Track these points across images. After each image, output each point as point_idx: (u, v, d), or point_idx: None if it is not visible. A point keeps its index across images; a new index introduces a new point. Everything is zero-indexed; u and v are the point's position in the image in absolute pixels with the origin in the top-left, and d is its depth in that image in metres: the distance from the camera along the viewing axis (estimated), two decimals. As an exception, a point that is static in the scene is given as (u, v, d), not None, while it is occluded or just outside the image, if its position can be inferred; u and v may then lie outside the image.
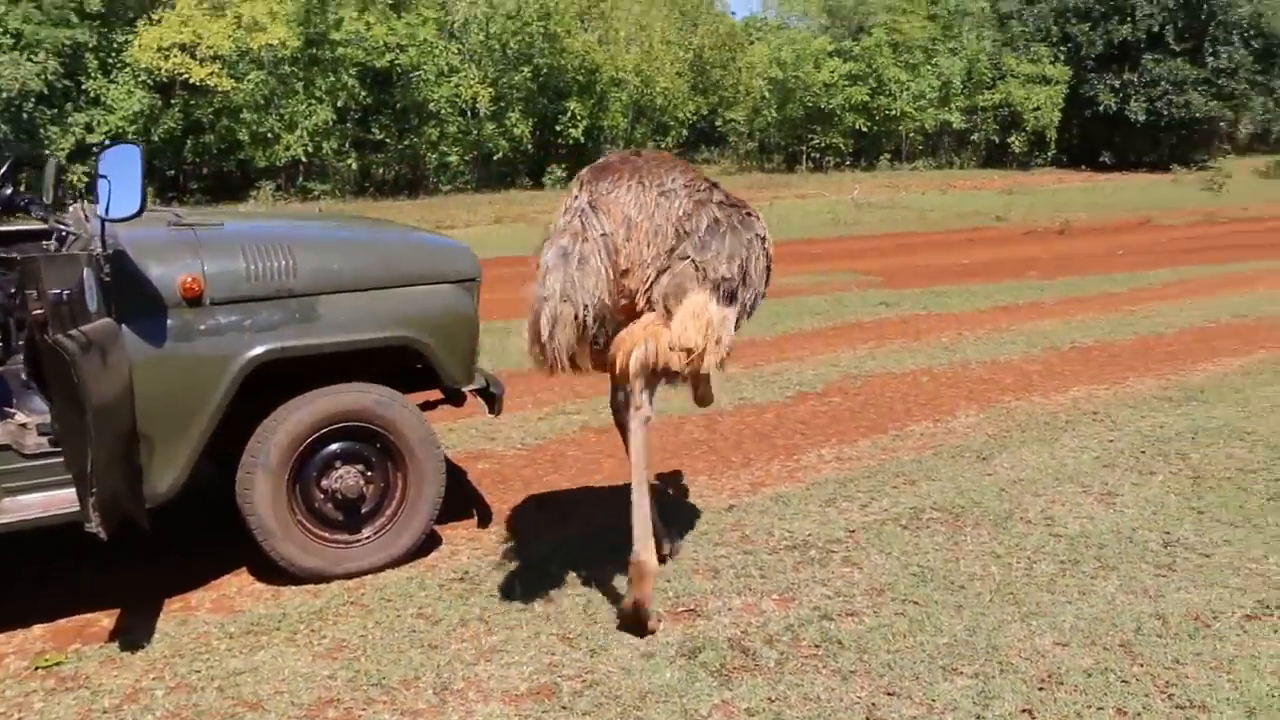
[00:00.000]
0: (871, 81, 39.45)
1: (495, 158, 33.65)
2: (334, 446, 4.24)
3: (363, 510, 4.32)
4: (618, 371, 3.75)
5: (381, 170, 32.55)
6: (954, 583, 4.08)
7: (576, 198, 3.75)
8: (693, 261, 3.70)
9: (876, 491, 5.20)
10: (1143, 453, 5.71)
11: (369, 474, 4.30)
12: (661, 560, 4.20)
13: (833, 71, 38.98)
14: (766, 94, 39.31)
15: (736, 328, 3.95)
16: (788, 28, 43.36)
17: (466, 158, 33.25)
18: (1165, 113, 40.96)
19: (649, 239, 3.68)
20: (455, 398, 4.91)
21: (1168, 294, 11.63)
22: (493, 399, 4.71)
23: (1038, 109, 39.91)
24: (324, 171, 31.18)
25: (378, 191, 31.71)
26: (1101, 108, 41.26)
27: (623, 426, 4.24)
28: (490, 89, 32.10)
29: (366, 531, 4.35)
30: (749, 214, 4.16)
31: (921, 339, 9.09)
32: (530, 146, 33.92)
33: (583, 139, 33.82)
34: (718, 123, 43.85)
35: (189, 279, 3.91)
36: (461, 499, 5.15)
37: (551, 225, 3.78)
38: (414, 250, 4.72)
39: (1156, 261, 14.67)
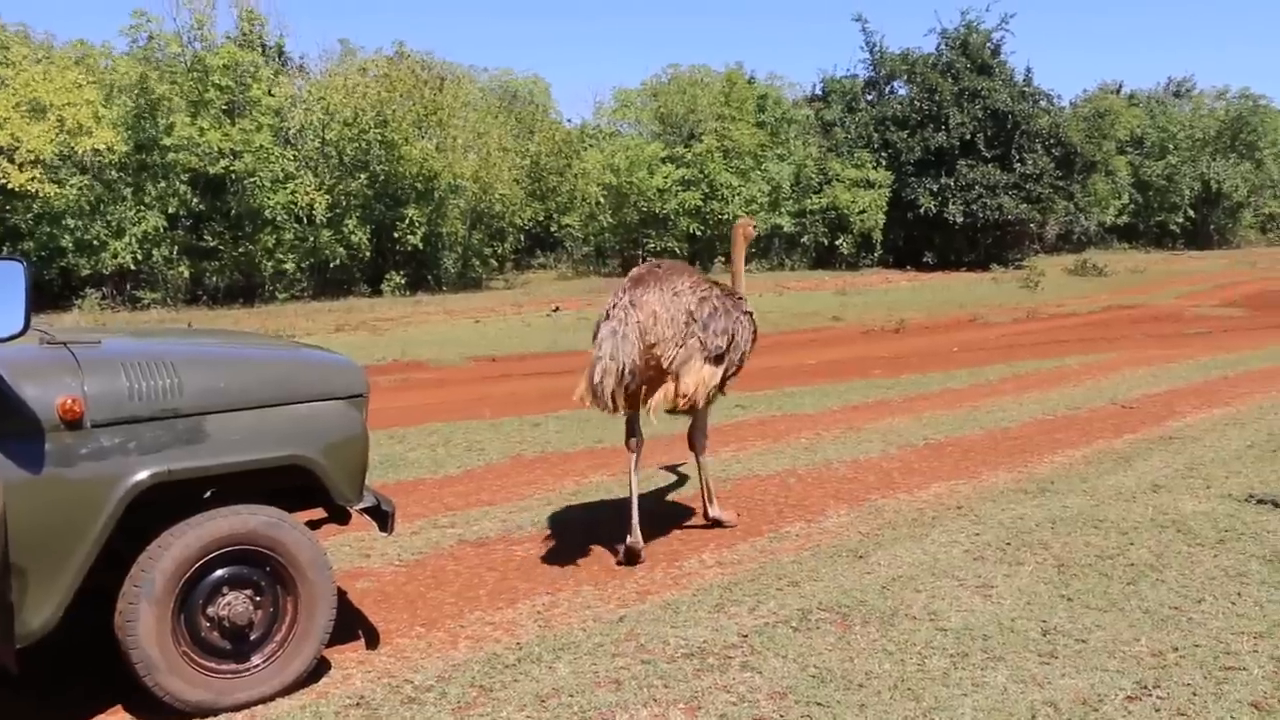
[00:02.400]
0: (704, 187, 40.53)
1: (333, 265, 33.27)
2: (221, 571, 4.10)
3: (252, 637, 4.17)
4: (653, 410, 5.92)
5: (215, 278, 31.80)
6: (853, 682, 4.17)
7: (620, 298, 5.94)
8: (698, 339, 5.86)
9: (763, 594, 5.28)
10: (1008, 544, 5.95)
11: (258, 599, 4.16)
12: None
13: (666, 177, 39.95)
14: (601, 199, 40.00)
15: (725, 377, 6.19)
16: (621, 134, 44.32)
17: (303, 265, 32.79)
18: (981, 215, 43.21)
19: (668, 325, 5.76)
20: (340, 516, 4.82)
21: (1005, 389, 12.18)
22: (384, 516, 4.63)
23: (863, 212, 41.60)
24: (154, 280, 30.33)
25: (211, 300, 30.95)
26: (922, 210, 43.30)
27: (631, 450, 6.31)
28: (326, 196, 31.83)
29: (256, 659, 4.19)
30: (738, 299, 6.32)
31: (781, 440, 9.30)
32: (368, 253, 33.66)
33: (421, 245, 33.78)
34: (553, 228, 44.39)
35: (68, 400, 3.77)
36: (346, 620, 5.02)
37: (600, 316, 6.02)
38: (302, 366, 4.65)
39: (990, 357, 15.36)
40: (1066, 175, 49.35)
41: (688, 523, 6.76)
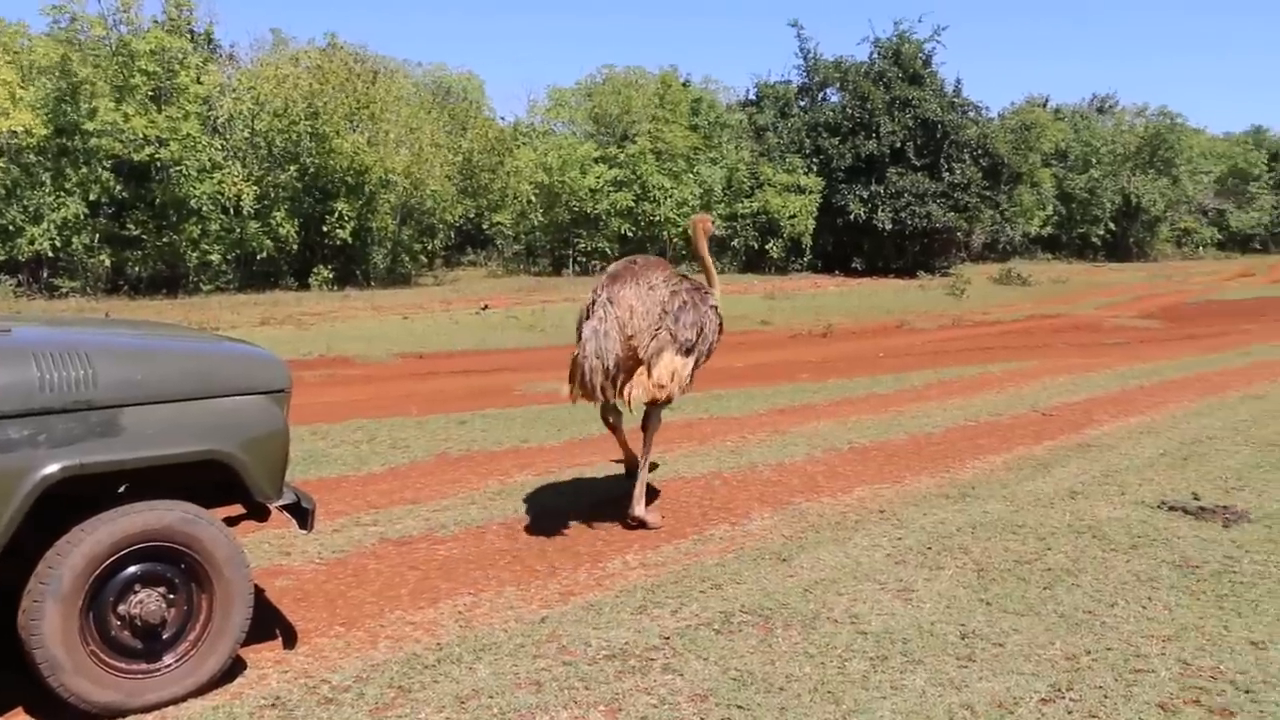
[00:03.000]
0: (636, 188, 40.54)
1: (259, 257, 32.78)
2: (134, 568, 4.00)
3: (164, 636, 4.07)
4: (629, 401, 6.27)
5: (137, 268, 31.16)
6: (774, 685, 4.19)
7: (599, 295, 6.31)
8: (669, 331, 6.25)
9: (685, 596, 5.29)
10: (929, 548, 6.03)
11: (172, 597, 4.08)
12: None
13: (598, 177, 39.90)
14: (533, 198, 39.87)
15: (695, 368, 6.57)
16: (554, 133, 44.21)
17: (229, 257, 32.26)
18: (909, 222, 43.73)
19: (643, 318, 6.18)
20: (259, 513, 4.74)
21: (930, 394, 12.33)
22: (304, 514, 4.56)
23: (794, 217, 41.87)
24: (73, 268, 29.68)
25: (133, 290, 30.37)
26: (852, 216, 43.71)
27: (612, 429, 6.96)
28: (255, 187, 31.34)
29: (168, 659, 4.10)
30: (706, 294, 6.74)
31: (707, 443, 9.33)
32: (295, 246, 33.21)
33: (350, 240, 33.39)
34: (485, 225, 44.16)
35: (-27, 390, 3.68)
36: (263, 619, 4.95)
37: (582, 310, 6.44)
38: (222, 360, 4.56)
39: (916, 363, 15.55)
40: (993, 185, 50.20)
41: (613, 523, 6.74)
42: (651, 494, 7.12)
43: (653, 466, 7.63)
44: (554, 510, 7.07)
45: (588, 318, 6.27)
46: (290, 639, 4.83)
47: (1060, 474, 8.04)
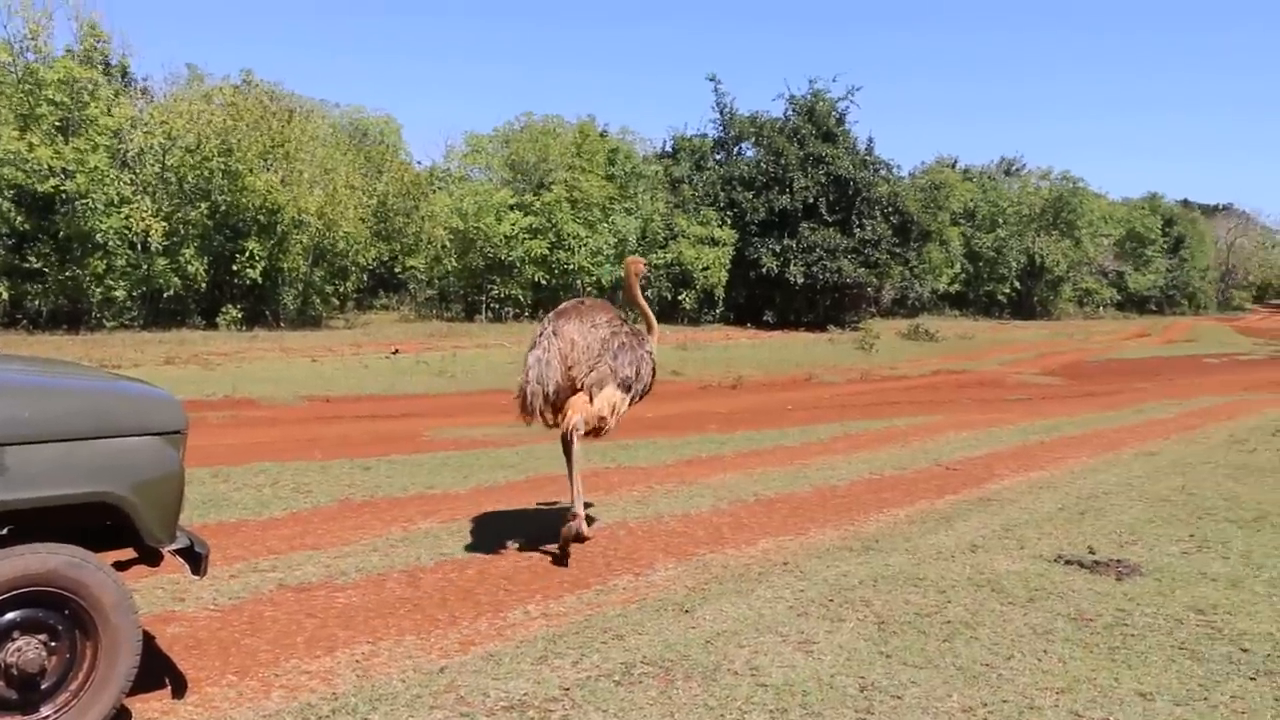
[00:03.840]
0: (551, 236, 40.56)
1: (166, 295, 32.17)
2: (12, 615, 3.85)
3: (43, 686, 3.92)
4: (568, 424, 6.83)
5: (37, 301, 30.38)
6: (671, 738, 4.16)
7: (545, 328, 6.98)
8: (609, 366, 6.89)
9: (586, 647, 5.25)
10: (831, 601, 6.06)
11: (53, 644, 3.93)
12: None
13: (513, 224, 39.87)
14: (447, 243, 39.69)
15: (630, 404, 7.19)
16: (471, 179, 44.13)
17: (134, 293, 31.60)
18: (820, 277, 44.34)
19: (584, 353, 6.80)
20: (151, 558, 4.62)
21: (836, 448, 12.46)
22: (197, 559, 4.44)
23: (707, 268, 42.20)
24: (-32, 300, 28.90)
25: (32, 324, 29.59)
26: (764, 269, 44.20)
27: (566, 448, 7.11)
28: (164, 223, 30.78)
29: (46, 710, 3.92)
30: (643, 338, 7.37)
31: (614, 492, 9.31)
32: (204, 285, 32.64)
33: (260, 280, 32.94)
34: (398, 269, 43.83)
35: None
36: (153, 667, 4.80)
37: (529, 343, 7.02)
38: (115, 398, 4.43)
39: (823, 416, 15.72)
40: (903, 242, 51.19)
41: (516, 572, 6.68)
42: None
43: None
44: (456, 559, 6.99)
45: (533, 348, 6.91)
46: (180, 688, 4.69)
47: (962, 527, 8.16)
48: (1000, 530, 8.07)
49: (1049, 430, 14.56)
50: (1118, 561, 7.04)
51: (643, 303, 8.00)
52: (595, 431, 7.06)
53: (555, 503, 8.80)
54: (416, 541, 7.42)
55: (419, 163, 47.65)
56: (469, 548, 7.27)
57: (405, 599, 6.12)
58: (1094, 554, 7.27)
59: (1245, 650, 5.35)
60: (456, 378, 20.70)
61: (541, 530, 7.75)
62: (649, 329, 7.76)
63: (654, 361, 7.49)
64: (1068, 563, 7.03)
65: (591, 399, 6.85)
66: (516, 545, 7.37)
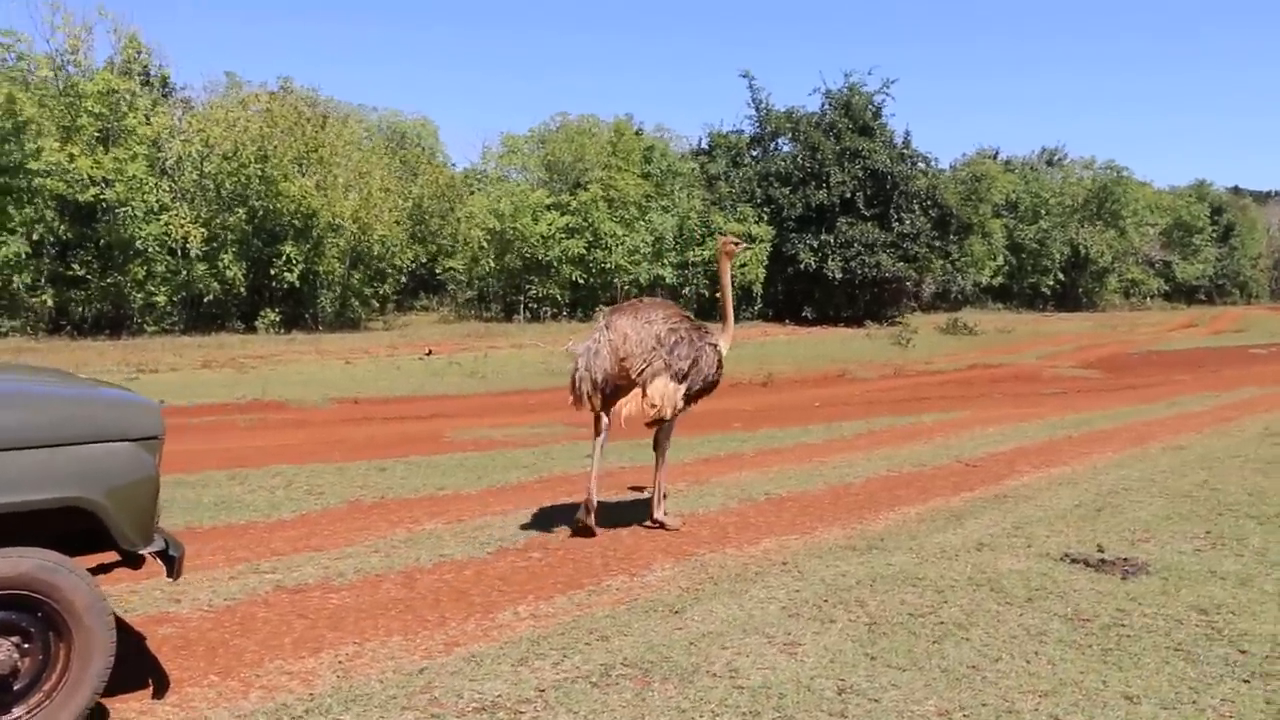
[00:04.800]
0: (588, 235, 40.67)
1: (207, 299, 32.59)
2: (-15, 618, 3.91)
3: (15, 687, 3.97)
4: (623, 419, 7.37)
5: (81, 308, 30.89)
6: (638, 740, 4.13)
7: (600, 323, 7.52)
8: (664, 360, 7.28)
9: (569, 649, 5.23)
10: (825, 601, 5.99)
11: (26, 646, 3.97)
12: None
13: (550, 224, 39.98)
14: (485, 244, 39.87)
15: (687, 397, 7.56)
16: (507, 180, 44.30)
17: (175, 298, 32.05)
18: (859, 272, 44.13)
19: (638, 345, 7.23)
20: (133, 560, 4.65)
21: (858, 445, 12.36)
22: (171, 561, 4.47)
23: (744, 265, 42.09)
24: (14, 307, 29.36)
25: (76, 330, 30.11)
26: (802, 265, 44.05)
27: (599, 431, 7.64)
28: (203, 229, 31.20)
29: (18, 711, 3.97)
30: (704, 332, 7.74)
31: (625, 493, 9.28)
32: (243, 289, 33.02)
33: (298, 283, 33.27)
34: (438, 270, 44.10)
35: None
36: (138, 668, 4.84)
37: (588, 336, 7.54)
38: (92, 405, 4.46)
39: (851, 413, 15.61)
40: (943, 236, 50.81)
41: (512, 572, 6.67)
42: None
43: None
44: (455, 559, 6.99)
45: (587, 341, 7.44)
46: (161, 688, 4.72)
47: (972, 525, 8.05)
48: (1010, 528, 7.95)
49: (1079, 425, 14.35)
50: (1125, 560, 6.91)
51: (727, 293, 8.57)
52: (654, 421, 7.54)
53: (562, 503, 8.78)
54: (419, 543, 7.43)
55: (453, 165, 47.97)
56: (469, 548, 7.27)
57: (398, 600, 6.13)
58: (1102, 552, 7.14)
59: (1243, 652, 5.23)
60: (487, 378, 20.77)
61: (545, 532, 7.74)
62: (724, 325, 8.35)
63: (718, 355, 7.80)
64: (1073, 561, 6.90)
65: (645, 391, 7.27)
66: (518, 545, 7.37)
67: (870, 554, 7.12)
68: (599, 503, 7.74)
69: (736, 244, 8.94)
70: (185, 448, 12.07)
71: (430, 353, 25.81)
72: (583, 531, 7.55)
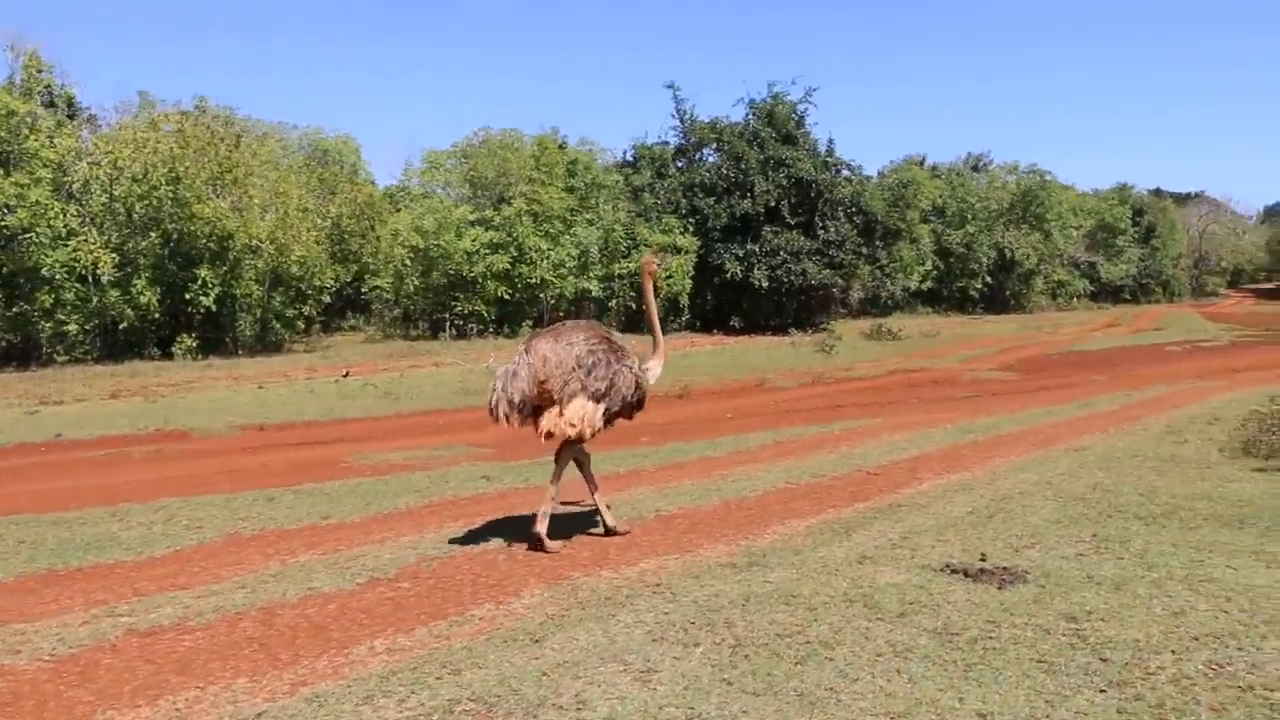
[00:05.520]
0: (512, 250, 40.38)
1: (122, 326, 31.88)
2: None
3: None
4: (541, 433, 7.51)
5: (-13, 340, 30.14)
6: (464, 785, 3.94)
7: (521, 346, 7.66)
8: (580, 381, 7.48)
9: (418, 684, 5.02)
10: (693, 623, 5.82)
11: None
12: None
13: (474, 240, 39.65)
14: (408, 262, 39.46)
15: (606, 418, 7.74)
16: (431, 196, 43.88)
17: (87, 326, 31.31)
18: (785, 280, 44.27)
19: (557, 368, 7.40)
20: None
21: (762, 456, 12.24)
22: None
23: (670, 276, 42.02)
24: (-85, 341, 28.58)
25: (-19, 363, 29.31)
26: (729, 275, 44.10)
27: (557, 455, 7.90)
28: (114, 254, 30.52)
29: None
30: (622, 354, 7.84)
31: (513, 513, 9.07)
32: (158, 315, 32.35)
33: (214, 307, 32.67)
34: (365, 289, 43.61)
35: None
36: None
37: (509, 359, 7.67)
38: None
39: (762, 423, 15.52)
40: (868, 242, 51.12)
41: (376, 604, 6.45)
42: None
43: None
44: (323, 593, 6.75)
45: (508, 364, 7.58)
46: (-27, 751, 4.46)
47: (859, 537, 7.92)
48: (898, 539, 7.84)
49: (986, 429, 14.38)
50: (1004, 569, 6.81)
51: (653, 314, 8.77)
52: (571, 440, 7.69)
53: (447, 529, 8.56)
54: (289, 576, 7.18)
55: (375, 182, 47.44)
56: (339, 580, 7.03)
57: (254, 639, 5.88)
58: (984, 561, 7.05)
59: (1105, 660, 5.13)
60: (401, 399, 20.48)
61: (421, 560, 7.53)
62: (654, 346, 8.54)
63: (637, 375, 7.93)
64: (953, 572, 6.79)
65: (562, 411, 7.46)
66: (390, 575, 7.14)
67: (749, 571, 6.96)
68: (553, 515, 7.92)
69: (659, 263, 9.17)
70: (73, 484, 11.74)
71: (348, 374, 25.43)
72: (536, 547, 7.72)
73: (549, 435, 7.54)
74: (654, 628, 5.80)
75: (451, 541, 8.05)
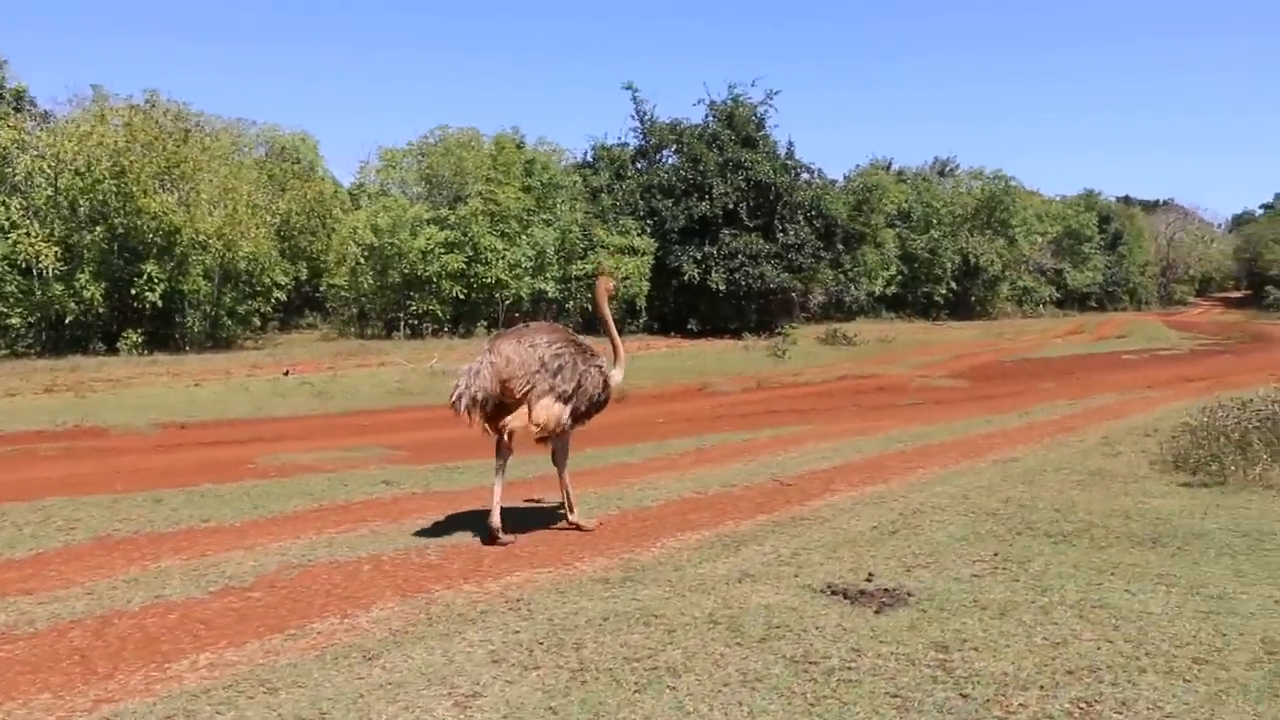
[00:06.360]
0: (468, 249, 39.95)
1: (67, 321, 31.30)
2: None
3: None
4: (506, 431, 7.66)
5: (-76, 331, 29.52)
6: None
7: (485, 345, 7.76)
8: (548, 382, 7.63)
9: (227, 705, 4.67)
10: (541, 644, 5.48)
11: None
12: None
13: (429, 239, 39.20)
14: (362, 260, 38.99)
15: (573, 419, 7.99)
16: (388, 194, 43.37)
17: (30, 320, 30.73)
18: (743, 283, 44.03)
19: (521, 368, 7.53)
20: None
21: (680, 464, 11.91)
22: None
23: (627, 278, 41.63)
24: None
25: (-82, 355, 28.70)
26: (686, 277, 43.81)
27: (500, 452, 7.93)
28: (56, 247, 29.95)
29: None
30: (590, 355, 8.04)
31: (399, 520, 8.69)
32: (101, 309, 31.78)
33: (160, 302, 32.10)
34: (322, 287, 43.10)
35: None
36: None
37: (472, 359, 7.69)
38: None
39: (691, 429, 15.22)
40: (828, 246, 50.92)
41: (223, 612, 6.08)
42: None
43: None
44: (170, 601, 6.37)
45: (471, 362, 7.66)
46: None
47: (748, 553, 7.57)
48: (788, 555, 7.48)
49: (918, 438, 14.10)
50: (887, 590, 6.47)
51: (610, 326, 8.91)
52: (541, 440, 7.96)
53: (328, 534, 8.20)
54: (142, 583, 6.80)
55: (334, 180, 46.89)
56: (191, 588, 6.65)
57: (78, 649, 5.51)
58: (870, 581, 6.71)
59: (965, 696, 4.79)
60: (335, 398, 20.08)
61: (284, 567, 7.16)
62: (615, 355, 8.63)
63: (603, 377, 8.17)
64: (833, 593, 6.44)
65: (530, 410, 7.59)
66: (245, 583, 6.77)
67: (621, 588, 6.61)
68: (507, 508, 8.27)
69: (614, 285, 9.59)
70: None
71: (289, 373, 24.98)
72: (490, 542, 7.87)
73: (512, 433, 7.72)
74: (498, 648, 5.45)
75: (320, 549, 7.68)
